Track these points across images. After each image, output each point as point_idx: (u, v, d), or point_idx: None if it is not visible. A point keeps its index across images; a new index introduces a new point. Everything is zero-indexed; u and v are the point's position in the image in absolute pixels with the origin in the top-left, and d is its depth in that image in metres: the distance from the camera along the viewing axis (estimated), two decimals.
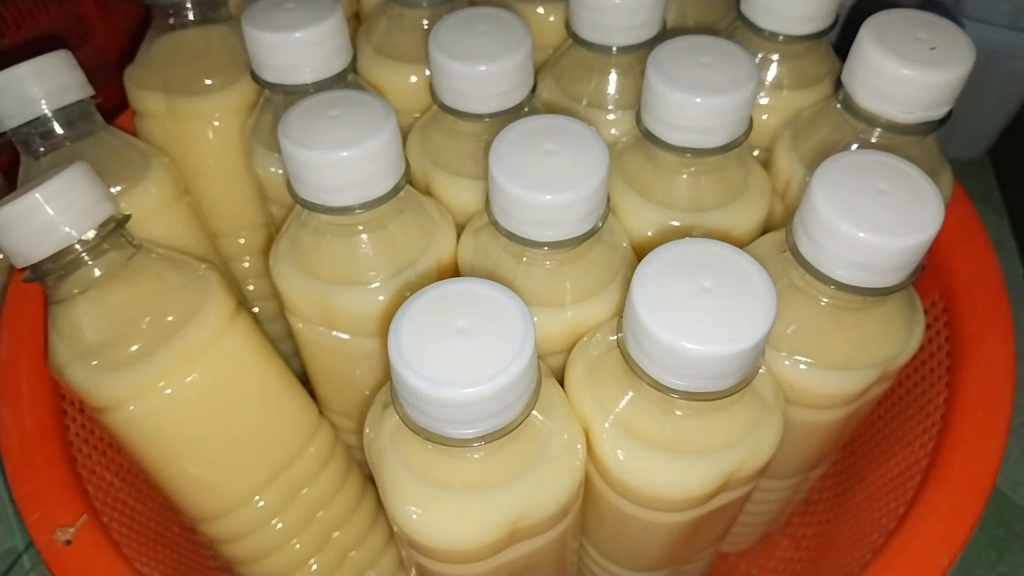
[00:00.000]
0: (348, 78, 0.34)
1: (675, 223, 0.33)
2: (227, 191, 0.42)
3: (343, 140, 0.28)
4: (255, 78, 0.34)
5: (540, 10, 0.41)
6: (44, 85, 0.34)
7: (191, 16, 0.39)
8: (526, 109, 0.33)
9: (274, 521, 0.35)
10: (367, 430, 0.28)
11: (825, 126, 0.34)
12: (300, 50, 0.32)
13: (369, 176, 0.29)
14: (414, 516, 0.25)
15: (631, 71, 0.36)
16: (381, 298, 0.31)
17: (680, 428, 0.27)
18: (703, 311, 0.24)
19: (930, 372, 0.37)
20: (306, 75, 0.33)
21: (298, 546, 0.37)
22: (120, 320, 0.30)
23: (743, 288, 0.24)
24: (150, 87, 0.39)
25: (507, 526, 0.26)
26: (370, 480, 0.39)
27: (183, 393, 0.30)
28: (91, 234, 0.28)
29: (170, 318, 0.30)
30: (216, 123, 0.40)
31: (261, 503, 0.34)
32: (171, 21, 0.39)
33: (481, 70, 0.31)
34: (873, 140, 0.32)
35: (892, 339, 0.30)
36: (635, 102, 0.37)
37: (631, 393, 0.27)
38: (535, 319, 0.24)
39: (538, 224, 0.28)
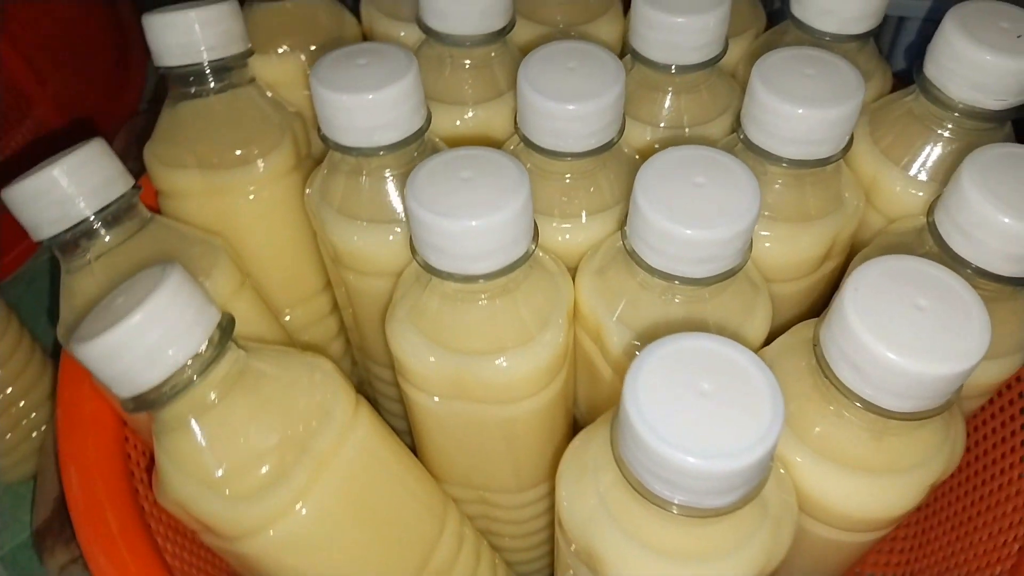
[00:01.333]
0: (425, 136, 0.32)
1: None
2: (277, 265, 0.39)
3: (481, 206, 0.26)
4: (326, 141, 0.31)
5: None
6: (83, 185, 0.30)
7: (212, 83, 0.36)
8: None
9: None
10: (563, 498, 0.26)
11: (903, 118, 0.34)
12: (380, 111, 0.30)
13: (510, 240, 0.27)
14: None
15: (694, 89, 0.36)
16: (524, 368, 0.29)
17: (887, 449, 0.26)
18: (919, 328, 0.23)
19: None
20: (388, 136, 0.31)
21: None
22: (243, 437, 0.27)
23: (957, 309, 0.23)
24: (181, 164, 0.36)
25: None
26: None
27: (325, 503, 0.28)
28: (202, 347, 0.25)
29: (300, 426, 0.27)
30: (261, 194, 0.37)
31: None
32: (192, 90, 0.36)
33: (577, 109, 0.30)
34: (950, 127, 0.33)
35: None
36: (700, 118, 0.36)
37: (831, 414, 0.26)
38: None
39: (696, 261, 0.27)
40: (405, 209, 0.27)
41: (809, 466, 0.27)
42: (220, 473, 0.26)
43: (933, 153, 0.33)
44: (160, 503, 0.28)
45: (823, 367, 0.25)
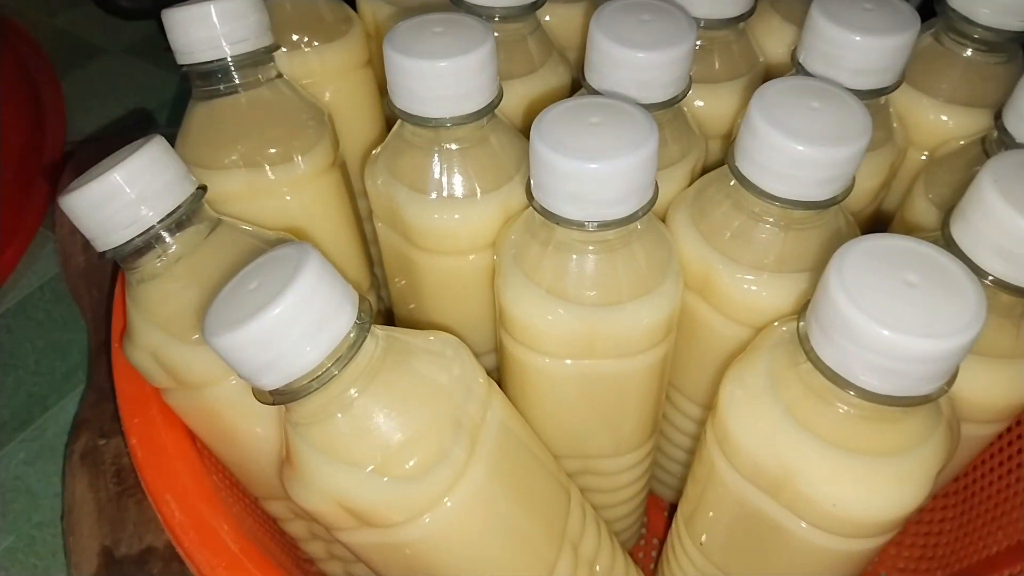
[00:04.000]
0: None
1: None
2: (324, 253, 0.36)
3: (617, 148, 0.26)
4: (399, 113, 0.30)
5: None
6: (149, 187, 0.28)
7: (238, 79, 0.34)
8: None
9: None
10: (734, 428, 0.26)
11: (930, 49, 0.36)
12: (464, 78, 0.29)
13: (644, 184, 0.27)
14: (851, 493, 0.24)
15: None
16: (648, 319, 0.29)
17: None
18: None
19: None
20: (468, 104, 0.30)
21: None
22: (397, 417, 0.25)
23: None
24: (220, 165, 0.33)
25: (932, 482, 0.25)
26: None
27: (482, 479, 0.26)
28: (350, 331, 0.24)
29: (449, 402, 0.26)
30: (303, 193, 0.35)
31: (561, 571, 0.30)
32: (221, 87, 0.33)
33: (654, 57, 0.30)
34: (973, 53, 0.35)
35: None
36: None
37: None
38: None
39: (821, 183, 0.27)
40: (532, 156, 0.26)
41: None
42: (378, 460, 0.24)
43: (960, 80, 0.36)
44: (301, 501, 0.25)
45: (960, 257, 0.26)
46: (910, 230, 0.35)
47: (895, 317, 0.21)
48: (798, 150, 0.26)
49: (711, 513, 0.30)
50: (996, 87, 0.36)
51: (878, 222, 0.39)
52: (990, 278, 0.26)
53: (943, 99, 0.36)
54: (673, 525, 0.35)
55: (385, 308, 0.43)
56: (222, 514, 0.28)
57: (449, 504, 0.25)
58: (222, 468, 0.33)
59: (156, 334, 0.28)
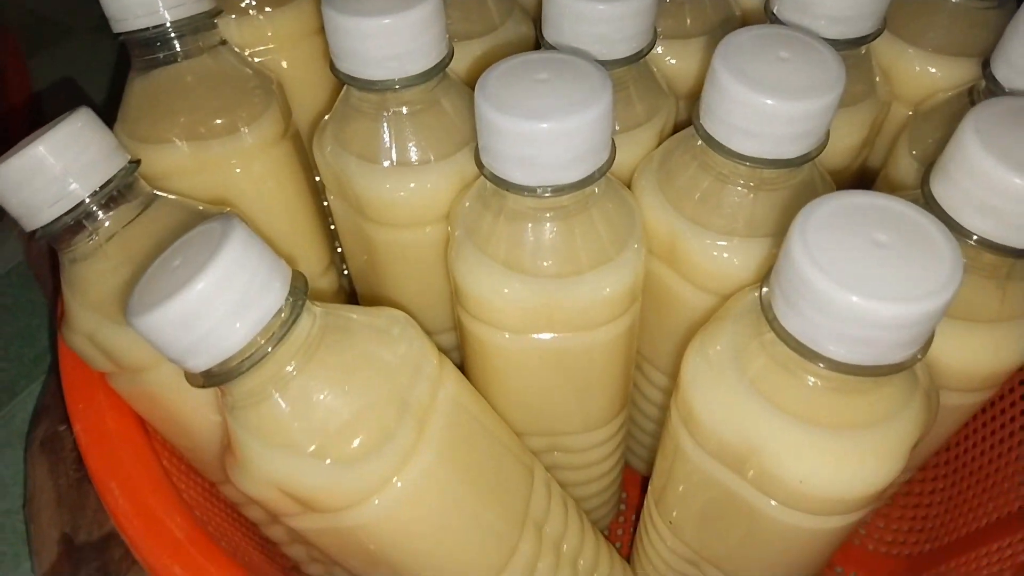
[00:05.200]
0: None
1: None
2: (281, 241, 0.35)
3: (567, 107, 0.24)
4: (342, 77, 0.28)
5: None
6: (77, 160, 0.26)
7: (178, 47, 0.32)
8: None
9: (539, 566, 0.29)
10: (697, 400, 0.24)
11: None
12: (409, 36, 0.27)
13: (599, 144, 0.25)
14: (819, 469, 0.23)
15: None
16: (609, 289, 0.27)
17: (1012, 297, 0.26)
18: None
19: None
20: (415, 64, 0.28)
21: None
22: (337, 398, 0.23)
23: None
24: (163, 139, 0.31)
25: (906, 456, 0.23)
26: None
27: (431, 461, 0.25)
28: (281, 308, 0.22)
29: (394, 383, 0.24)
30: (252, 165, 0.33)
31: (524, 552, 0.29)
32: (160, 56, 0.32)
33: (612, 8, 0.28)
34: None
35: None
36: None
37: None
38: None
39: (792, 139, 0.26)
40: (477, 118, 0.24)
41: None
42: (318, 442, 0.23)
43: (946, 30, 0.34)
44: (243, 489, 0.24)
45: (940, 216, 0.24)
46: (894, 189, 0.33)
47: (862, 280, 0.20)
48: (765, 103, 0.25)
49: (680, 490, 0.29)
50: (986, 35, 0.34)
51: (862, 181, 0.37)
52: (974, 237, 0.24)
53: (929, 49, 0.34)
54: (645, 501, 0.33)
55: (349, 285, 0.42)
56: (169, 502, 0.27)
57: (399, 486, 0.24)
58: (176, 454, 0.31)
59: (92, 317, 0.27)
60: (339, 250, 0.41)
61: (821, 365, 0.21)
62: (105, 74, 0.68)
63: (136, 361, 0.27)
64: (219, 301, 0.21)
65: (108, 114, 0.30)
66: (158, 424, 0.30)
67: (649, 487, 0.32)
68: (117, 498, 0.26)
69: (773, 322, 0.22)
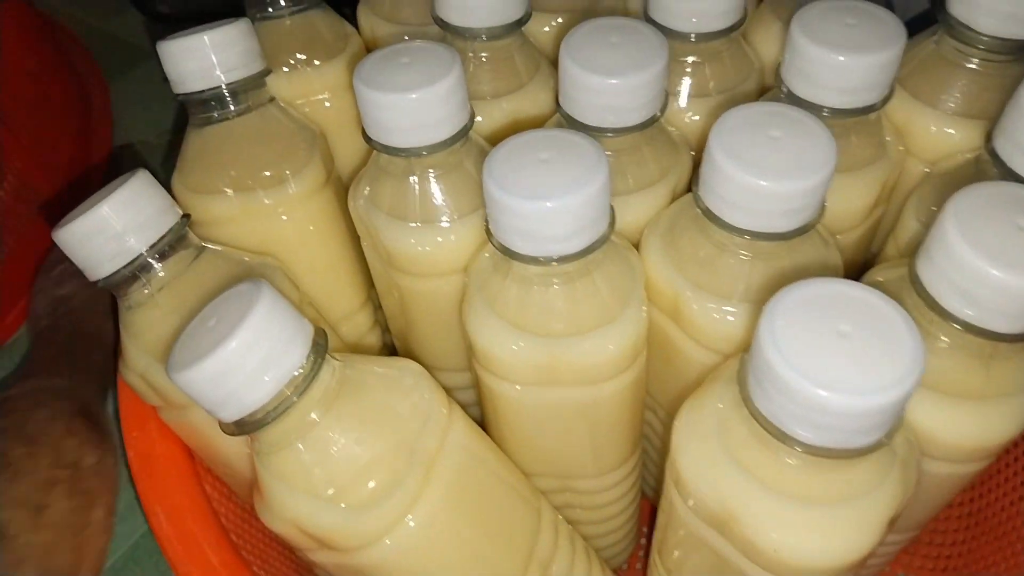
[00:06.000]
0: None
1: None
2: (315, 285, 0.38)
3: (565, 186, 0.26)
4: (372, 143, 0.31)
5: None
6: (135, 219, 0.29)
7: (232, 106, 0.35)
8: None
9: None
10: (684, 465, 0.26)
11: (930, 59, 0.35)
12: (430, 109, 0.30)
13: (596, 219, 0.27)
14: (793, 541, 0.24)
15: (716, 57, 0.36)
16: (611, 347, 0.29)
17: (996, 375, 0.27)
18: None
19: None
20: (437, 134, 0.30)
21: None
22: (352, 447, 0.26)
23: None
24: (215, 190, 0.35)
25: (882, 529, 0.25)
26: None
27: (436, 506, 0.27)
28: (303, 364, 0.25)
29: (404, 431, 0.27)
30: (295, 213, 0.36)
31: None
32: (214, 114, 0.35)
33: (621, 83, 0.30)
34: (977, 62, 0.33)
35: None
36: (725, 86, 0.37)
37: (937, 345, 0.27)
38: None
39: (783, 214, 0.27)
40: (484, 194, 0.27)
41: (919, 399, 0.27)
42: (335, 487, 0.26)
43: (963, 90, 0.34)
44: (268, 525, 0.27)
45: (925, 298, 0.25)
46: (901, 252, 0.34)
47: (824, 372, 0.21)
48: (756, 184, 0.26)
49: (675, 542, 0.30)
50: (1002, 98, 0.34)
51: (879, 237, 0.38)
52: (957, 321, 0.25)
53: (945, 111, 0.35)
54: (652, 546, 0.35)
55: (383, 318, 0.44)
56: (208, 528, 0.30)
57: (409, 527, 0.26)
58: (218, 479, 0.35)
59: (144, 359, 0.30)
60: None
61: (791, 446, 0.23)
62: None
63: (181, 400, 0.30)
64: (247, 359, 0.23)
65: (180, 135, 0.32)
66: (201, 453, 0.33)
67: (654, 535, 0.34)
68: (162, 523, 0.30)
69: (747, 400, 0.24)
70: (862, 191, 0.33)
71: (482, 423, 0.34)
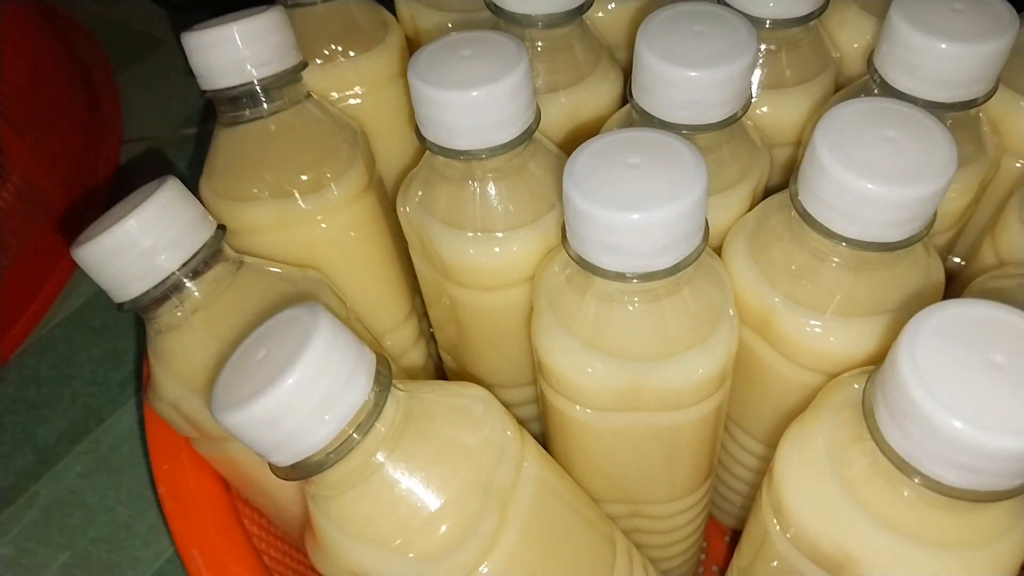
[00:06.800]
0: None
1: None
2: (359, 295, 0.35)
3: (658, 196, 0.23)
4: (427, 145, 0.28)
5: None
6: (166, 233, 0.26)
7: (265, 103, 0.32)
8: None
9: None
10: (792, 500, 0.23)
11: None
12: (495, 108, 0.27)
13: (692, 231, 0.24)
14: None
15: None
16: (701, 370, 0.26)
17: None
18: None
19: None
20: (501, 135, 0.27)
21: None
22: (421, 489, 0.23)
23: None
24: (248, 197, 0.32)
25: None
26: None
27: (515, 548, 0.24)
28: (367, 398, 0.22)
29: (477, 468, 0.24)
30: (338, 219, 0.33)
31: None
32: (246, 113, 0.32)
33: (707, 76, 0.27)
34: None
35: None
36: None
37: None
38: None
39: (894, 224, 0.24)
40: (565, 203, 0.24)
41: None
42: (403, 535, 0.23)
43: None
44: (324, 573, 0.24)
45: None
46: (1001, 257, 0.31)
47: (975, 407, 0.18)
48: (868, 188, 0.23)
49: (765, 574, 0.28)
50: None
51: (963, 241, 0.35)
52: None
53: None
54: (729, 569, 0.32)
55: (429, 330, 0.42)
56: (252, 570, 0.28)
57: (484, 572, 0.24)
58: (259, 513, 0.32)
59: (177, 388, 0.27)
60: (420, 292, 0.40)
61: (926, 486, 0.20)
62: (195, 88, 0.68)
63: (220, 432, 0.28)
64: (306, 397, 0.20)
65: (199, 128, 0.29)
66: (241, 487, 0.30)
67: (735, 555, 0.31)
68: (200, 567, 0.27)
69: (875, 432, 0.21)
70: (962, 191, 0.30)
71: (544, 444, 0.31)
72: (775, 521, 0.25)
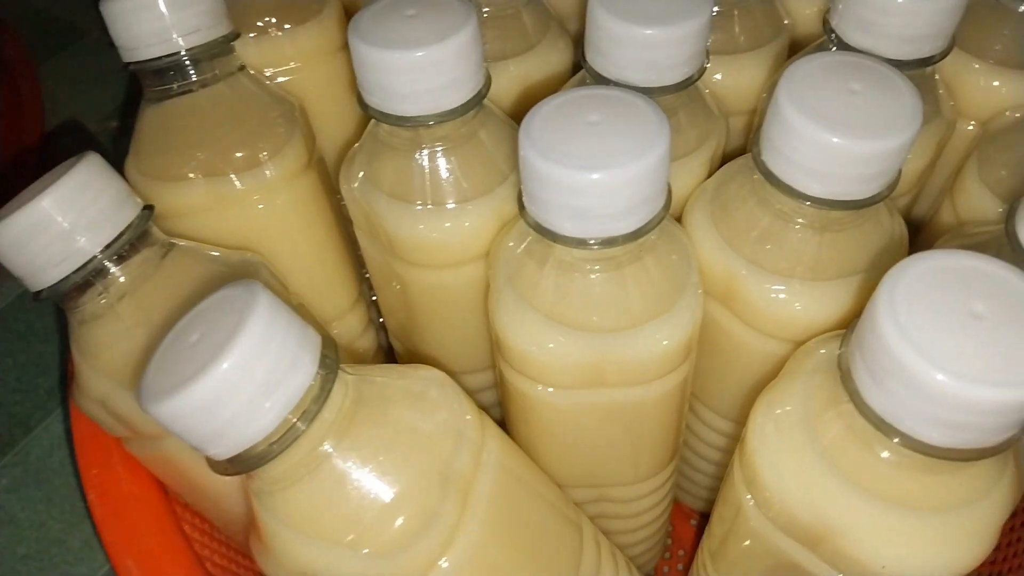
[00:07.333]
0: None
1: None
2: (302, 281, 0.33)
3: (622, 154, 0.22)
4: (371, 111, 0.26)
5: None
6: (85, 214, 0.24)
7: (194, 75, 0.30)
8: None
9: None
10: (764, 466, 0.22)
11: (976, 8, 0.31)
12: (443, 69, 0.25)
13: (655, 192, 0.23)
14: (906, 553, 0.21)
15: None
16: (666, 341, 0.25)
17: None
18: None
19: None
20: (450, 99, 0.26)
21: None
22: (374, 479, 0.21)
23: None
24: (178, 176, 0.29)
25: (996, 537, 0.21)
26: None
27: (477, 537, 0.23)
28: (312, 383, 0.20)
29: (434, 454, 0.22)
30: (276, 200, 0.31)
31: None
32: (174, 86, 0.30)
33: (662, 33, 0.26)
34: None
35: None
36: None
37: None
38: None
39: (862, 180, 0.23)
40: (521, 164, 0.22)
41: None
42: (355, 530, 0.21)
43: (1016, 39, 0.31)
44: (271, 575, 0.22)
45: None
46: (961, 218, 0.31)
47: (960, 360, 0.17)
48: (835, 143, 0.22)
49: (738, 551, 0.27)
50: None
51: (919, 205, 0.35)
52: None
53: (995, 62, 0.32)
54: (698, 552, 0.31)
55: (378, 316, 0.40)
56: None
57: (445, 567, 0.22)
58: (199, 516, 0.30)
59: (105, 382, 0.25)
60: (367, 276, 0.39)
61: (908, 446, 0.19)
62: (118, 79, 0.65)
63: (154, 428, 0.25)
64: (245, 382, 0.19)
65: (125, 121, 0.27)
66: (179, 488, 0.28)
67: (704, 538, 0.30)
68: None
69: (854, 394, 0.20)
70: (920, 152, 0.30)
71: (505, 430, 0.30)
72: (749, 496, 0.24)
